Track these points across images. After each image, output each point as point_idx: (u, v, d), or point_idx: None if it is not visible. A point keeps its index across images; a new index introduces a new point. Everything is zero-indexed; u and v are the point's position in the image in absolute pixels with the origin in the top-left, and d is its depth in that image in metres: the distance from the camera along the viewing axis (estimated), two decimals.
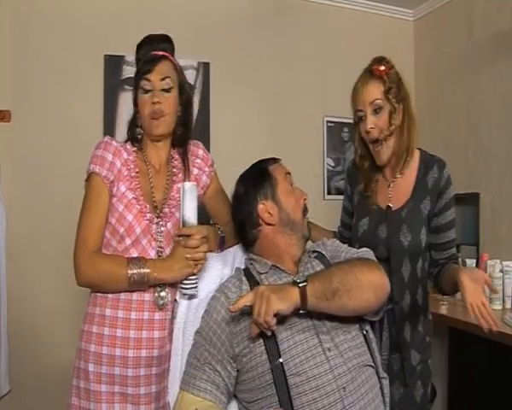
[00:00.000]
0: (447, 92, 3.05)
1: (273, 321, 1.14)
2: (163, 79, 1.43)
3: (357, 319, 1.31)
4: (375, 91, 1.53)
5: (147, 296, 1.36)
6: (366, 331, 1.33)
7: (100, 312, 1.37)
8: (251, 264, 1.40)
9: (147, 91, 1.42)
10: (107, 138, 1.45)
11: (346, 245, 1.49)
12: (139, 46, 1.49)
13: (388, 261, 1.55)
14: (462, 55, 2.93)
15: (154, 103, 1.41)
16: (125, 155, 1.43)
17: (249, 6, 2.96)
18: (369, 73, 1.55)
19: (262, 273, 1.34)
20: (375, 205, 1.62)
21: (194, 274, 1.36)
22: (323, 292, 1.18)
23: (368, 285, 1.24)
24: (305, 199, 1.43)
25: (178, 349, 1.39)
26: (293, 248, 1.39)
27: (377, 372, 1.29)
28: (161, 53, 1.45)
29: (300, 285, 1.18)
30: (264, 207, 1.37)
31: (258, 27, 2.97)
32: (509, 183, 2.59)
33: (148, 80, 1.42)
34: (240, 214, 1.42)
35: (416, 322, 1.58)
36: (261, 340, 1.22)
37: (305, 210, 1.42)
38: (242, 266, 1.43)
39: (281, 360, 1.19)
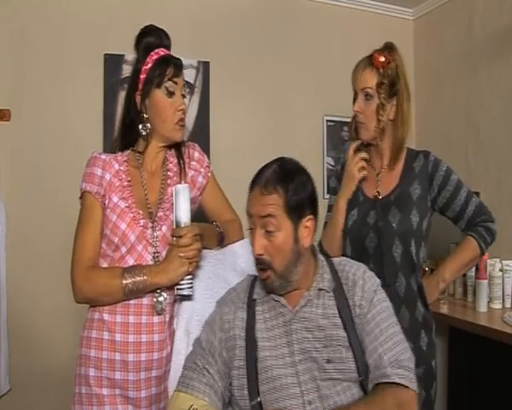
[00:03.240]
0: (446, 91, 3.05)
1: None
2: (183, 86, 1.46)
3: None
4: (368, 80, 1.58)
5: (144, 300, 1.36)
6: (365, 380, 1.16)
7: (98, 317, 1.37)
8: (258, 281, 1.29)
9: (171, 94, 1.42)
10: (95, 153, 1.45)
11: (388, 322, 1.21)
12: (143, 35, 1.47)
13: (379, 246, 1.57)
14: (462, 54, 2.93)
15: (180, 111, 1.43)
16: (116, 166, 1.43)
17: (249, 5, 2.95)
18: (369, 59, 1.59)
19: (258, 300, 1.26)
20: (363, 195, 1.66)
21: (189, 274, 1.36)
22: None
23: None
24: (259, 255, 1.18)
25: (181, 349, 1.38)
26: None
27: None
28: (178, 58, 1.46)
29: None
30: None
31: (257, 26, 2.96)
32: (509, 181, 2.59)
33: (176, 83, 1.42)
34: None
35: (413, 307, 1.58)
36: (245, 371, 1.18)
37: (257, 264, 1.20)
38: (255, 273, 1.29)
39: (259, 399, 1.15)
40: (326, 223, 1.77)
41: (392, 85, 1.58)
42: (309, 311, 1.20)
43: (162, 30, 1.49)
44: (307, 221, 1.20)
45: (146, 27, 1.49)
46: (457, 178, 1.63)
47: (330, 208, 1.77)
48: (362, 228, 1.61)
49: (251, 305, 1.25)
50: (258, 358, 1.18)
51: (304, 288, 1.23)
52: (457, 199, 1.61)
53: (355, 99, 1.64)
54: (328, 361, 1.15)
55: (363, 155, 1.63)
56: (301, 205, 1.18)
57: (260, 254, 1.17)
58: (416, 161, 1.64)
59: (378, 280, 1.28)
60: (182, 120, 1.45)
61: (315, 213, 1.23)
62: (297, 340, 1.18)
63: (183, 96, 1.46)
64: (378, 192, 1.64)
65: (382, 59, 1.57)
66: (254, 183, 1.20)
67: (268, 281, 1.19)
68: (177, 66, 1.44)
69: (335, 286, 1.23)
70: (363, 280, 1.24)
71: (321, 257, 1.31)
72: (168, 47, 1.49)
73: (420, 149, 1.68)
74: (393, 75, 1.59)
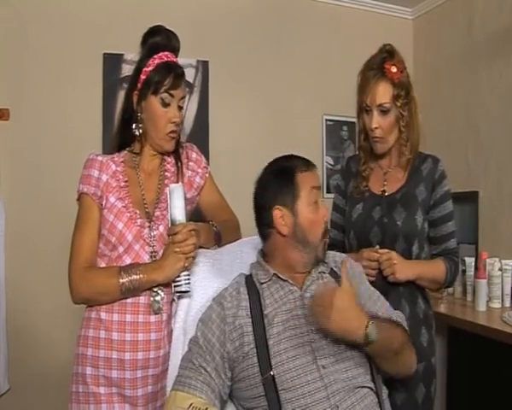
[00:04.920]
0: (446, 91, 3.04)
1: None
2: (181, 98, 1.45)
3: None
4: (384, 95, 1.55)
5: (142, 299, 1.37)
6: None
7: (96, 316, 1.38)
8: (255, 270, 1.36)
9: (166, 105, 1.42)
10: (91, 155, 1.45)
11: (377, 293, 1.41)
12: (150, 34, 1.46)
13: (383, 242, 1.57)
14: (461, 54, 2.92)
15: (173, 123, 1.42)
16: (113, 167, 1.43)
17: (249, 5, 2.95)
18: (381, 72, 1.55)
19: (263, 283, 1.31)
20: (368, 191, 1.66)
21: (185, 270, 1.36)
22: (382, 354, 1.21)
23: (410, 368, 1.32)
24: (326, 221, 1.34)
25: (178, 349, 1.38)
26: (301, 266, 1.32)
27: (377, 394, 1.23)
28: (181, 67, 1.45)
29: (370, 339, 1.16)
30: (280, 213, 1.29)
31: (257, 25, 2.96)
32: (508, 181, 2.59)
33: (172, 96, 1.42)
34: (258, 200, 1.35)
35: (414, 302, 1.59)
36: (254, 350, 1.20)
37: (325, 232, 1.33)
38: (247, 272, 1.39)
39: (272, 372, 1.16)
40: (332, 221, 1.78)
41: (407, 94, 1.58)
42: (315, 289, 1.29)
43: (171, 31, 1.48)
44: None
45: (155, 27, 1.48)
46: (452, 208, 1.62)
47: (335, 206, 1.79)
48: (367, 221, 1.62)
49: (254, 292, 1.30)
50: (268, 333, 1.21)
51: (304, 273, 1.33)
52: (443, 227, 1.61)
53: (361, 112, 1.62)
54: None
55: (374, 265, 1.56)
56: None
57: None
58: (424, 163, 1.63)
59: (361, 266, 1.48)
60: (173, 132, 1.44)
61: None
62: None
63: (180, 107, 1.45)
64: (384, 190, 1.64)
65: (395, 69, 1.54)
66: (308, 165, 1.35)
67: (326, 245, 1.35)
68: (177, 76, 1.42)
69: (330, 270, 1.37)
70: (349, 263, 1.40)
71: None
72: (175, 49, 1.48)
73: (428, 153, 1.67)
74: (407, 83, 1.58)
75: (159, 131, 1.43)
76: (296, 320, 1.24)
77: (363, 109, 1.61)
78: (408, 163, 1.63)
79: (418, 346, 1.55)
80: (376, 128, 1.57)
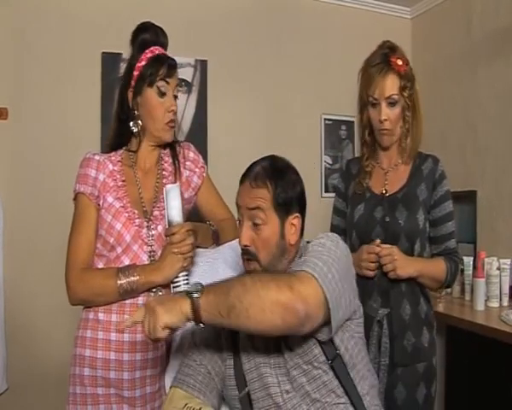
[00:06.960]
0: (445, 90, 3.04)
1: (164, 335, 1.01)
2: (176, 86, 1.46)
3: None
4: (393, 86, 1.58)
5: (140, 300, 1.37)
6: (337, 354, 1.16)
7: (93, 316, 1.38)
8: None
9: (162, 94, 1.42)
10: (88, 155, 1.45)
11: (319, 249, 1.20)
12: (140, 31, 1.47)
13: (385, 241, 1.58)
14: (460, 53, 2.92)
15: (170, 112, 1.43)
16: (110, 167, 1.43)
17: (247, 3, 2.94)
18: (387, 65, 1.58)
19: None
20: (369, 192, 1.67)
21: (184, 270, 1.36)
22: (217, 307, 1.01)
23: (271, 306, 1.00)
24: (244, 246, 1.20)
25: (183, 346, 1.37)
26: None
27: (354, 405, 1.15)
28: (173, 59, 1.46)
29: (193, 296, 1.02)
30: None
31: (256, 25, 2.96)
32: (507, 181, 2.59)
33: (168, 83, 1.42)
34: None
35: (416, 303, 1.59)
36: (232, 362, 1.20)
37: (243, 256, 1.23)
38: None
39: (247, 389, 1.15)
40: (332, 225, 1.79)
41: (412, 85, 1.61)
42: None
43: (159, 27, 1.50)
44: (294, 219, 1.22)
45: (143, 23, 1.49)
46: (452, 208, 1.63)
47: (336, 210, 1.79)
48: (369, 222, 1.63)
49: None
50: (241, 348, 1.20)
51: None
52: (443, 227, 1.62)
53: (365, 107, 1.64)
54: (291, 350, 1.15)
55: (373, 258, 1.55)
56: (289, 202, 1.21)
57: (246, 246, 1.19)
58: (425, 163, 1.65)
59: None
60: (172, 121, 1.45)
61: (302, 213, 1.25)
62: None
63: (176, 96, 1.46)
64: (385, 190, 1.65)
65: (401, 62, 1.58)
66: (245, 176, 1.23)
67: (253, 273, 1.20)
68: (171, 66, 1.43)
69: None
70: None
71: None
72: (164, 45, 1.49)
73: (429, 153, 1.69)
74: (411, 75, 1.62)
75: (157, 121, 1.43)
76: (265, 339, 1.16)
77: (367, 104, 1.63)
78: (410, 158, 1.65)
79: (419, 346, 1.57)
80: (386, 120, 1.59)
